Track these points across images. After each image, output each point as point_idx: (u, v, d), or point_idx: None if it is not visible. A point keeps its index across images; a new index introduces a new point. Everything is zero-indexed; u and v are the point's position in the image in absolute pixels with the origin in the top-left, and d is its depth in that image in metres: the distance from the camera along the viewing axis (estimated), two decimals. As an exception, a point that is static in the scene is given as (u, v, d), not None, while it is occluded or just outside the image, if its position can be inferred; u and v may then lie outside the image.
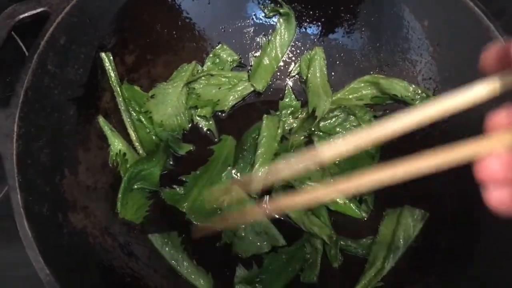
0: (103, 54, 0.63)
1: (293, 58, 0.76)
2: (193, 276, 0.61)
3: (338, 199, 0.65)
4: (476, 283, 0.53)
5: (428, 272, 0.58)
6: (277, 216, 0.66)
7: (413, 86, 0.68)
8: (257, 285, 0.60)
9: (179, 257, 0.62)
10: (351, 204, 0.65)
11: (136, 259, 0.59)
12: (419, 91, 0.68)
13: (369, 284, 0.59)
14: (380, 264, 0.60)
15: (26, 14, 0.58)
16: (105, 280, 0.53)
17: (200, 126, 0.72)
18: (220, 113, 0.73)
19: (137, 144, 0.65)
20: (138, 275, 0.57)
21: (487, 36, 0.61)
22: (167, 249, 0.62)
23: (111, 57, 0.64)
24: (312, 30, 0.75)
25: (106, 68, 0.63)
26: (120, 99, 0.65)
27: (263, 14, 0.74)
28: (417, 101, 0.68)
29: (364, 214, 0.65)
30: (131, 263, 0.58)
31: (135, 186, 0.64)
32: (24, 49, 0.77)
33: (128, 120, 0.65)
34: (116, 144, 0.63)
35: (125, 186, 0.62)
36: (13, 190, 0.49)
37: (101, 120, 0.63)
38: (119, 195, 0.61)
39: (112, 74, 0.64)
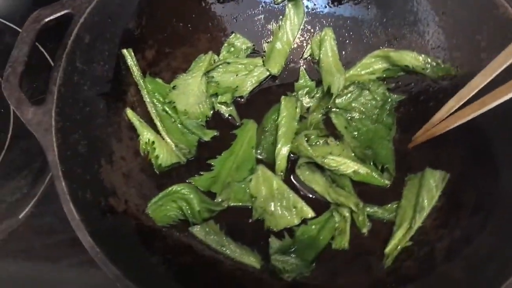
0: (124, 51, 0.66)
1: (304, 41, 0.79)
2: (243, 255, 0.63)
3: (360, 170, 0.67)
4: (498, 232, 0.55)
5: (454, 228, 0.61)
6: (303, 191, 0.69)
7: (423, 55, 0.71)
8: (292, 255, 0.62)
9: (225, 242, 0.64)
10: (373, 173, 0.68)
11: (177, 240, 0.62)
12: (429, 60, 0.70)
13: (399, 244, 0.61)
14: (407, 224, 0.62)
15: (51, 17, 0.61)
16: (149, 257, 0.56)
17: (222, 112, 0.75)
18: (239, 99, 0.76)
19: (164, 133, 0.68)
20: (180, 253, 0.60)
21: (490, 1, 0.63)
22: (211, 237, 0.64)
23: (133, 53, 0.67)
24: (321, 12, 0.77)
25: (129, 63, 0.67)
26: (145, 92, 0.68)
27: (272, 1, 0.77)
28: (428, 70, 0.71)
29: (387, 182, 0.68)
30: (172, 243, 0.60)
31: (175, 200, 0.65)
32: (46, 55, 0.80)
33: (154, 111, 0.68)
34: (145, 134, 0.66)
35: (169, 193, 0.64)
36: (57, 179, 0.53)
37: (129, 112, 0.66)
38: (158, 196, 0.63)
39: (135, 69, 0.67)
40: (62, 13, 0.62)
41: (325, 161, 0.68)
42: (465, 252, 0.57)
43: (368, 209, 0.66)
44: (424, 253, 0.61)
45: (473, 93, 0.58)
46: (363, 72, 0.75)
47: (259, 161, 0.71)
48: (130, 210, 0.59)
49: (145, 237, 0.58)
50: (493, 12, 0.63)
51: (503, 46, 0.63)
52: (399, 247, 0.61)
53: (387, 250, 0.62)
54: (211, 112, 0.74)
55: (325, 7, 0.77)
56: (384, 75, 0.74)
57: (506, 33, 0.63)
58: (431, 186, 0.63)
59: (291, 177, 0.70)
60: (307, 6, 0.77)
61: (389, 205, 0.66)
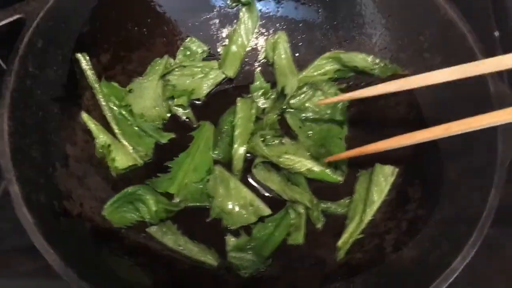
0: (79, 55, 0.67)
1: (259, 44, 0.81)
2: (200, 254, 0.64)
3: (314, 168, 0.70)
4: (441, 224, 0.58)
5: (401, 220, 0.64)
6: (260, 190, 0.71)
7: (371, 57, 0.74)
8: (248, 251, 0.64)
9: (181, 241, 0.65)
10: (327, 170, 0.70)
11: (133, 240, 0.62)
12: (377, 61, 0.74)
13: (350, 237, 0.64)
14: (358, 218, 0.65)
15: (3, 22, 0.61)
16: (104, 260, 0.56)
17: (179, 115, 0.76)
18: (196, 101, 0.77)
19: (120, 136, 0.68)
20: (136, 253, 0.60)
21: (432, 3, 0.67)
22: (168, 237, 0.64)
23: (87, 57, 0.68)
24: (274, 14, 0.79)
25: (83, 67, 0.67)
26: (100, 96, 0.68)
27: (226, 5, 0.78)
28: (376, 70, 0.74)
29: (339, 178, 0.70)
30: (128, 244, 0.61)
31: (132, 202, 0.65)
32: (-1, 60, 0.79)
33: (110, 114, 0.68)
34: (101, 137, 0.66)
35: (125, 194, 0.64)
36: (10, 183, 0.53)
37: (84, 116, 0.66)
38: (114, 198, 0.63)
39: (89, 73, 0.68)
40: (14, 18, 0.62)
41: (280, 160, 0.69)
42: (411, 243, 0.59)
43: (322, 205, 0.68)
44: (374, 245, 0.63)
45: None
46: (315, 73, 0.77)
47: (216, 162, 0.72)
48: (85, 213, 0.59)
49: (101, 239, 0.58)
50: (434, 14, 0.67)
51: (443, 46, 0.67)
52: (350, 240, 0.64)
53: (339, 243, 0.64)
54: (168, 115, 0.75)
55: (278, 10, 0.79)
56: (336, 76, 0.77)
57: (447, 33, 0.66)
58: (380, 181, 0.66)
59: (248, 176, 0.72)
60: (260, 10, 0.79)
61: (342, 200, 0.69)
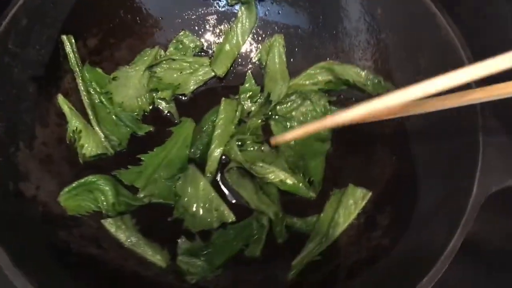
0: (64, 37, 0.66)
1: (255, 45, 0.79)
2: (149, 253, 0.63)
3: (287, 180, 0.67)
4: (401, 258, 0.55)
5: (363, 247, 0.60)
6: (229, 196, 0.69)
7: (365, 71, 0.70)
8: (201, 257, 0.62)
9: (134, 237, 0.63)
10: (301, 184, 0.67)
11: (85, 230, 0.62)
12: (370, 77, 0.70)
13: (306, 258, 0.61)
14: (319, 239, 0.62)
15: (-11, -3, 0.62)
16: (48, 247, 0.56)
17: (161, 108, 0.74)
18: (181, 97, 0.76)
19: (94, 123, 0.67)
20: (84, 244, 0.60)
21: (434, 22, 0.63)
22: (121, 231, 0.63)
23: (73, 40, 0.67)
24: (273, 18, 0.77)
25: (67, 50, 0.67)
26: (80, 80, 0.68)
27: (225, 2, 0.76)
28: (369, 86, 0.70)
29: (312, 194, 0.67)
30: (79, 233, 0.60)
31: (91, 191, 0.64)
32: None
33: (87, 100, 0.68)
34: (74, 122, 0.66)
35: (84, 183, 0.63)
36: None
37: (60, 98, 0.66)
38: (72, 185, 0.62)
39: (72, 56, 0.67)
40: (1, -7, 0.62)
41: (253, 167, 0.67)
42: (366, 273, 0.56)
43: (288, 219, 0.66)
44: (329, 269, 0.60)
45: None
46: (307, 82, 0.75)
47: (190, 161, 0.71)
48: (40, 197, 0.59)
49: (50, 225, 0.58)
50: (435, 33, 0.63)
51: (441, 69, 0.63)
52: (305, 260, 0.61)
53: (294, 262, 0.61)
54: (150, 107, 0.74)
55: (278, 13, 0.76)
56: (327, 87, 0.74)
57: (446, 55, 0.62)
58: (349, 203, 0.63)
59: (219, 180, 0.70)
60: (260, 12, 0.77)
61: (309, 218, 0.66)
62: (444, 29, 0.62)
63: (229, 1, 0.76)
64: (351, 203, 0.63)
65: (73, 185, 0.62)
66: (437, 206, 0.57)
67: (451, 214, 0.54)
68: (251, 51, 0.79)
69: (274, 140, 0.59)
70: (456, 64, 0.60)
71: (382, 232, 0.61)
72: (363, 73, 0.70)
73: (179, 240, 0.63)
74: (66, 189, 0.61)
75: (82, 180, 0.62)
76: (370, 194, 0.64)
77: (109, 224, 0.62)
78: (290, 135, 0.57)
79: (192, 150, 0.72)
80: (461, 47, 0.61)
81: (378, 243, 0.60)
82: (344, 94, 0.74)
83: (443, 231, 0.53)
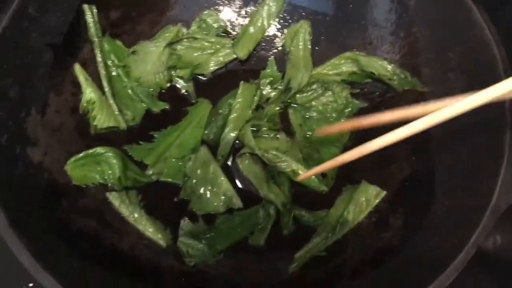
0: (85, 6, 0.66)
1: (280, 30, 0.76)
2: (151, 230, 0.62)
3: (300, 171, 0.65)
4: (405, 264, 0.53)
5: (369, 247, 0.58)
6: (237, 179, 0.67)
7: (392, 65, 0.67)
8: (203, 241, 0.61)
9: (137, 213, 0.62)
10: (313, 177, 0.65)
11: (88, 202, 0.61)
12: (397, 71, 0.67)
13: (310, 251, 0.59)
14: (325, 234, 0.59)
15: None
16: (49, 215, 0.55)
17: (179, 87, 0.73)
18: (200, 77, 0.74)
19: (109, 95, 0.66)
20: (86, 216, 0.59)
21: (470, 18, 0.59)
22: (125, 206, 0.62)
23: (95, 10, 0.66)
24: (301, 3, 0.74)
25: (87, 19, 0.66)
26: (98, 51, 0.67)
27: (253, -17, 0.74)
28: (395, 81, 0.67)
29: (324, 187, 0.65)
30: (82, 204, 0.60)
31: (99, 162, 0.62)
32: None
33: (103, 72, 0.67)
34: (89, 92, 0.65)
35: (92, 153, 0.62)
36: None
37: (77, 68, 0.65)
38: (80, 155, 0.61)
39: (92, 26, 0.66)
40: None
41: (266, 155, 0.65)
42: (372, 273, 0.54)
43: (296, 211, 0.63)
44: (333, 266, 0.58)
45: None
46: (330, 72, 0.72)
47: (203, 142, 0.69)
48: (46, 163, 0.58)
49: (54, 193, 0.57)
50: (469, 31, 0.59)
51: (471, 69, 0.59)
52: (308, 254, 0.59)
53: (297, 255, 0.59)
54: (167, 84, 0.72)
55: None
56: (350, 79, 0.71)
57: (479, 56, 0.59)
58: (360, 201, 0.60)
59: (230, 164, 0.68)
60: (289, -4, 0.74)
61: (319, 212, 0.64)
62: (479, 25, 0.59)
63: (257, -18, 0.74)
64: (363, 201, 0.60)
65: (81, 154, 0.61)
66: (452, 211, 0.54)
67: (466, 221, 0.51)
68: (275, 36, 0.76)
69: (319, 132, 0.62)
70: (489, 63, 0.57)
71: (392, 233, 0.58)
72: (389, 67, 0.67)
73: (181, 221, 0.62)
74: (73, 158, 0.60)
75: (90, 151, 0.61)
76: (384, 193, 0.61)
77: (114, 197, 0.61)
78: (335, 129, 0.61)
79: (206, 132, 0.70)
80: (496, 46, 0.58)
81: (387, 243, 0.57)
82: (368, 87, 0.71)
83: (456, 238, 0.50)
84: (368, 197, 0.60)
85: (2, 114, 0.55)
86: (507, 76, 0.55)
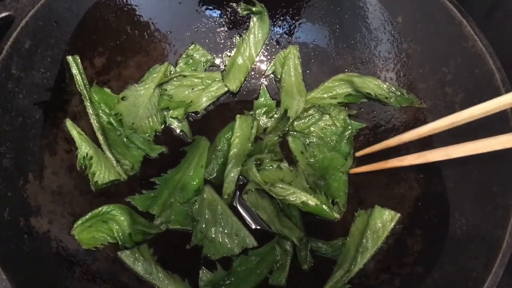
0: (69, 58, 0.63)
1: (268, 57, 0.75)
2: (169, 286, 0.60)
3: (309, 201, 0.64)
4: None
5: (395, 275, 0.57)
6: (248, 219, 0.66)
7: (387, 84, 0.67)
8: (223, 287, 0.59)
9: (153, 269, 0.60)
10: (324, 205, 0.64)
11: (101, 265, 0.58)
12: (393, 89, 0.67)
13: (335, 286, 0.58)
14: (347, 266, 0.59)
15: (-10, 19, 0.58)
16: (66, 285, 0.52)
17: (173, 127, 0.71)
18: (194, 114, 0.72)
19: (105, 147, 0.64)
20: (101, 280, 0.56)
21: (460, 32, 0.59)
22: (139, 264, 0.60)
23: (79, 60, 0.64)
24: (287, 28, 0.73)
25: (73, 71, 0.63)
26: (88, 102, 0.64)
27: (235, 13, 0.72)
28: (392, 99, 0.67)
29: (336, 215, 0.64)
30: (95, 269, 0.57)
31: (106, 221, 0.61)
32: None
33: (96, 124, 0.64)
34: (84, 147, 0.62)
35: (98, 213, 0.60)
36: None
37: (68, 123, 0.62)
38: (86, 216, 0.59)
39: (79, 78, 0.63)
40: (3, 15, 0.59)
41: (274, 189, 0.64)
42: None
43: (312, 244, 0.63)
44: (361, 299, 0.58)
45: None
46: (325, 96, 0.71)
47: (206, 182, 0.68)
48: (53, 232, 0.56)
49: (65, 261, 0.55)
50: (462, 44, 0.60)
51: (468, 82, 0.60)
52: (335, 290, 0.58)
53: (323, 292, 0.58)
54: (161, 126, 0.70)
55: (293, 25, 0.73)
56: (346, 101, 0.70)
57: (473, 68, 0.59)
58: (377, 227, 0.60)
59: (237, 202, 0.67)
60: (273, 22, 0.73)
61: (335, 241, 0.63)
62: (471, 39, 0.59)
63: (240, 11, 0.72)
64: (379, 226, 0.60)
65: (87, 216, 0.58)
66: (472, 230, 0.54)
67: (489, 239, 0.51)
68: (264, 62, 0.75)
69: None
70: (485, 75, 0.57)
71: (414, 257, 0.57)
72: (385, 86, 0.67)
73: (200, 272, 0.60)
74: (80, 221, 0.58)
75: (96, 211, 0.59)
76: (398, 215, 0.61)
77: (126, 256, 0.59)
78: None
79: (208, 171, 0.68)
80: (490, 57, 0.58)
81: (412, 271, 0.56)
82: (365, 107, 0.70)
83: (482, 258, 0.50)
84: (384, 222, 0.60)
85: (1, 187, 0.52)
86: (505, 88, 0.56)
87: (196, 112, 0.72)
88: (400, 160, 0.59)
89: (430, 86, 0.64)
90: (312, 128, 0.71)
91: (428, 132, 0.55)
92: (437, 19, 0.62)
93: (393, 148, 0.62)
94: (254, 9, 0.71)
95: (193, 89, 0.71)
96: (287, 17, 0.72)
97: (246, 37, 0.73)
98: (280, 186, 0.64)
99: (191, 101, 0.71)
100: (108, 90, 0.67)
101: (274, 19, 0.73)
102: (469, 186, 0.57)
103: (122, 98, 0.68)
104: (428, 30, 0.63)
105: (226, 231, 0.64)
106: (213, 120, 0.73)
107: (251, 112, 0.72)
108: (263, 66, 0.75)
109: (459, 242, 0.54)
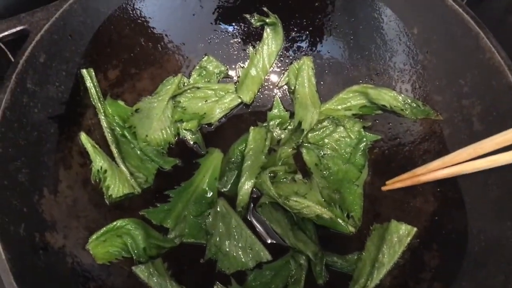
0: (84, 71, 0.63)
1: (282, 68, 0.75)
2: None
3: (324, 215, 0.63)
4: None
5: (413, 291, 0.57)
6: (262, 232, 0.65)
7: (402, 95, 0.66)
8: (238, 303, 0.59)
9: (168, 285, 0.59)
10: (338, 219, 0.64)
11: (115, 280, 0.58)
12: (409, 101, 0.66)
13: (351, 303, 0.58)
14: (363, 281, 0.58)
15: (5, 33, 0.58)
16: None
17: (187, 139, 0.71)
18: (207, 126, 0.72)
19: (119, 160, 0.64)
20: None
21: (477, 43, 0.59)
22: (154, 278, 0.59)
23: (93, 73, 0.64)
24: (301, 39, 0.73)
25: (87, 84, 0.63)
26: (102, 116, 0.64)
27: (249, 24, 0.72)
28: (407, 111, 0.66)
29: (351, 229, 0.64)
30: (109, 284, 0.57)
31: (120, 235, 0.60)
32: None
33: (110, 137, 0.64)
34: (98, 161, 0.62)
35: (113, 228, 0.60)
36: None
37: (83, 137, 0.62)
38: (101, 231, 0.59)
39: (93, 91, 0.64)
40: (18, 29, 0.59)
41: (288, 203, 0.63)
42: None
43: (327, 258, 0.62)
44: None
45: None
46: (339, 107, 0.71)
47: (220, 194, 0.68)
48: (68, 247, 0.55)
49: (80, 277, 0.55)
50: (479, 56, 0.59)
51: (486, 94, 0.59)
52: (351, 306, 0.57)
53: (339, 309, 0.58)
54: (175, 139, 0.70)
55: (306, 35, 0.72)
56: (361, 112, 0.70)
57: (491, 80, 0.58)
58: (393, 242, 0.59)
59: (251, 215, 0.66)
60: (288, 33, 0.72)
61: (350, 256, 0.62)
62: (488, 51, 0.58)
63: (253, 22, 0.72)
64: (396, 241, 0.59)
65: (101, 231, 0.58)
66: (491, 246, 0.53)
67: (508, 256, 0.50)
68: (278, 73, 0.75)
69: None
70: (503, 88, 0.56)
71: (431, 274, 0.57)
72: (400, 97, 0.66)
73: (214, 287, 0.60)
74: (94, 236, 0.58)
75: (111, 225, 0.59)
76: (415, 230, 0.60)
77: (141, 271, 0.59)
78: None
79: (221, 183, 0.68)
80: (509, 70, 0.57)
81: (429, 286, 0.56)
82: (380, 119, 0.70)
83: (500, 276, 0.49)
84: (400, 236, 0.59)
85: (16, 202, 0.52)
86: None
87: (210, 124, 0.72)
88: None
89: (447, 99, 0.64)
90: (326, 140, 0.70)
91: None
92: (454, 31, 0.61)
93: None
94: (267, 20, 0.70)
95: (206, 100, 0.71)
96: (301, 28, 0.72)
97: (259, 48, 0.73)
98: (295, 199, 0.64)
99: (205, 113, 0.71)
100: (122, 103, 0.67)
101: (288, 30, 0.72)
102: (488, 202, 0.56)
103: (136, 111, 0.68)
104: (444, 42, 0.63)
105: (240, 244, 0.63)
106: (226, 132, 0.72)
107: (264, 124, 0.72)
108: (277, 78, 0.75)
109: (477, 259, 0.54)
